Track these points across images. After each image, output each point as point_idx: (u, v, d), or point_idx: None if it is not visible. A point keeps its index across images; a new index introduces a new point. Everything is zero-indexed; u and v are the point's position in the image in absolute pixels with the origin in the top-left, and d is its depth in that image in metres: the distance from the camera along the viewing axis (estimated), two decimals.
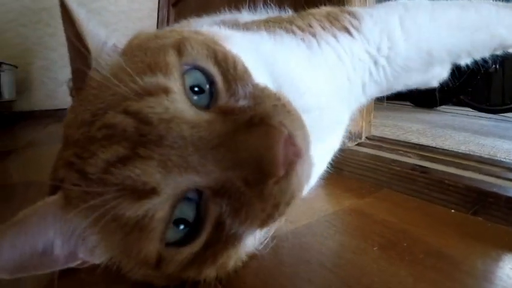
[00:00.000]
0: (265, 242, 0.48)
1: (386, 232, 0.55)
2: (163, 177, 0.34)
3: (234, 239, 0.38)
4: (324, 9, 0.65)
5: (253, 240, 0.45)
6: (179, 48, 0.40)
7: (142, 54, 0.39)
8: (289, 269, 0.46)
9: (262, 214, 0.37)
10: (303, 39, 0.57)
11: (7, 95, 1.85)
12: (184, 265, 0.38)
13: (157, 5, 2.45)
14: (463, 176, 0.70)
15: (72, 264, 0.41)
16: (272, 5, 0.74)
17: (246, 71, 0.41)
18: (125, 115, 0.35)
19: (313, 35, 0.58)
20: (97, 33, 0.41)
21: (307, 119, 0.41)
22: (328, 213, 0.62)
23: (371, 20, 0.62)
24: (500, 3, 0.65)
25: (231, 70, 0.40)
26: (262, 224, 0.38)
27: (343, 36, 0.59)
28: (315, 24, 0.59)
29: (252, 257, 0.46)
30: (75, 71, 0.43)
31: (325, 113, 0.53)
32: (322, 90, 0.54)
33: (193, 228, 0.38)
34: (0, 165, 1.02)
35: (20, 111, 2.03)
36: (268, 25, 0.58)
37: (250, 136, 0.35)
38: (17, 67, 1.90)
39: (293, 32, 0.57)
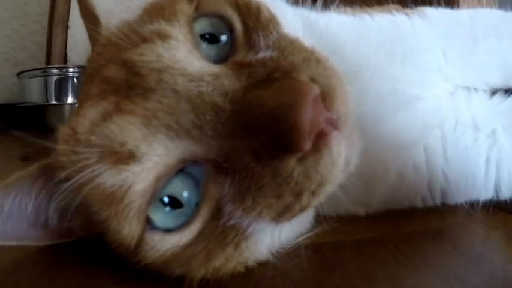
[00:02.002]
0: (288, 247, 0.38)
1: (478, 272, 0.38)
2: (146, 139, 0.28)
3: (235, 234, 0.31)
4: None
5: (271, 242, 0.36)
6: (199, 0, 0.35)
7: (154, 9, 0.36)
8: None
9: (277, 203, 0.29)
10: (353, 15, 0.51)
11: None
12: (168, 258, 0.31)
13: None
14: None
15: (67, 239, 0.39)
16: None
17: (271, 19, 0.34)
18: (119, 66, 0.31)
19: (366, 13, 0.51)
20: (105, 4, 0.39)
21: (354, 84, 0.35)
22: (400, 231, 0.47)
23: (437, 11, 0.55)
24: None
25: (253, 17, 0.34)
26: (278, 217, 0.30)
27: (400, 15, 0.51)
28: (370, 10, 0.53)
29: (262, 264, 0.36)
30: None
31: (378, 76, 0.44)
32: (374, 52, 0.46)
33: (188, 213, 0.31)
34: None
35: None
36: None
37: (267, 91, 0.27)
38: None
39: (344, 12, 0.52)
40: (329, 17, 0.50)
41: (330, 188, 0.30)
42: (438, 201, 0.52)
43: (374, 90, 0.44)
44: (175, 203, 0.31)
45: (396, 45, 0.49)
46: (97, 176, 0.29)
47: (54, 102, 1.74)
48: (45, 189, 0.35)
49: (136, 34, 0.32)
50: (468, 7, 0.81)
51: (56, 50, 1.86)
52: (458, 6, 0.81)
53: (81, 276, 0.38)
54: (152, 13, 0.34)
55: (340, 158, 0.29)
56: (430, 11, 0.54)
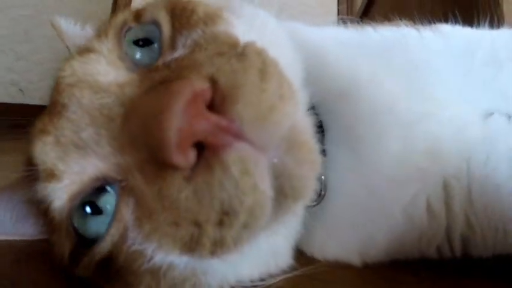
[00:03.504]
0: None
1: None
2: (60, 158, 0.28)
3: (142, 262, 0.27)
4: None
5: (222, 277, 0.32)
6: (140, 10, 0.34)
7: None
8: None
9: (177, 233, 0.24)
10: (354, 28, 0.45)
11: None
12: (92, 273, 0.30)
13: None
14: None
15: None
16: None
17: (206, 17, 0.31)
18: (56, 85, 0.32)
19: (370, 26, 0.45)
20: (73, 32, 0.42)
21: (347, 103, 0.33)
22: None
23: (453, 28, 0.46)
24: None
25: (184, 19, 0.31)
26: (188, 250, 0.25)
27: (409, 28, 0.45)
28: (375, 24, 0.47)
29: None
30: None
31: (373, 92, 0.38)
32: (369, 64, 0.40)
33: None
34: None
35: None
36: None
37: (146, 97, 0.24)
38: None
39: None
40: (323, 31, 0.46)
41: (252, 222, 0.24)
42: (458, 253, 0.42)
43: (368, 109, 0.38)
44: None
45: (400, 58, 0.42)
46: (35, 187, 0.30)
47: None
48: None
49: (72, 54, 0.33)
50: None
51: None
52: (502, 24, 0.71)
53: None
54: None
55: (251, 180, 0.23)
56: (445, 28, 0.46)
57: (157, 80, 0.26)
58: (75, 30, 0.42)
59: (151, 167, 0.24)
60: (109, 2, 2.27)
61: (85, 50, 0.31)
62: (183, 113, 0.21)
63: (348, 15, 2.21)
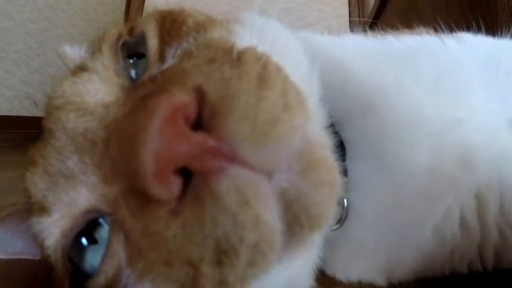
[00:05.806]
0: None
1: None
2: (50, 189, 0.25)
3: None
4: None
5: None
6: (133, 23, 0.32)
7: None
8: None
9: (172, 273, 0.21)
10: (375, 37, 0.43)
11: None
12: None
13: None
14: None
15: None
16: None
17: (198, 25, 0.28)
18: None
19: (391, 34, 0.43)
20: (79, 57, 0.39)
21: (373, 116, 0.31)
22: None
23: (476, 37, 0.45)
24: None
25: (173, 31, 0.28)
26: None
27: (432, 37, 0.42)
28: (396, 33, 0.45)
29: None
30: None
31: (400, 102, 0.36)
32: (393, 73, 0.37)
33: None
34: None
35: None
36: None
37: (123, 120, 0.22)
38: None
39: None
40: (341, 40, 0.43)
41: (258, 259, 0.20)
42: (490, 266, 0.39)
43: (395, 120, 0.35)
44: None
45: (425, 65, 0.39)
46: (30, 221, 0.28)
47: None
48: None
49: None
50: None
51: None
52: None
53: None
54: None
55: (252, 211, 0.19)
56: (468, 37, 0.44)
57: (139, 97, 0.22)
58: (80, 55, 0.39)
59: (135, 199, 0.21)
60: (121, 11, 2.29)
61: (78, 69, 0.29)
62: (160, 134, 0.18)
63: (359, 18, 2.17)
